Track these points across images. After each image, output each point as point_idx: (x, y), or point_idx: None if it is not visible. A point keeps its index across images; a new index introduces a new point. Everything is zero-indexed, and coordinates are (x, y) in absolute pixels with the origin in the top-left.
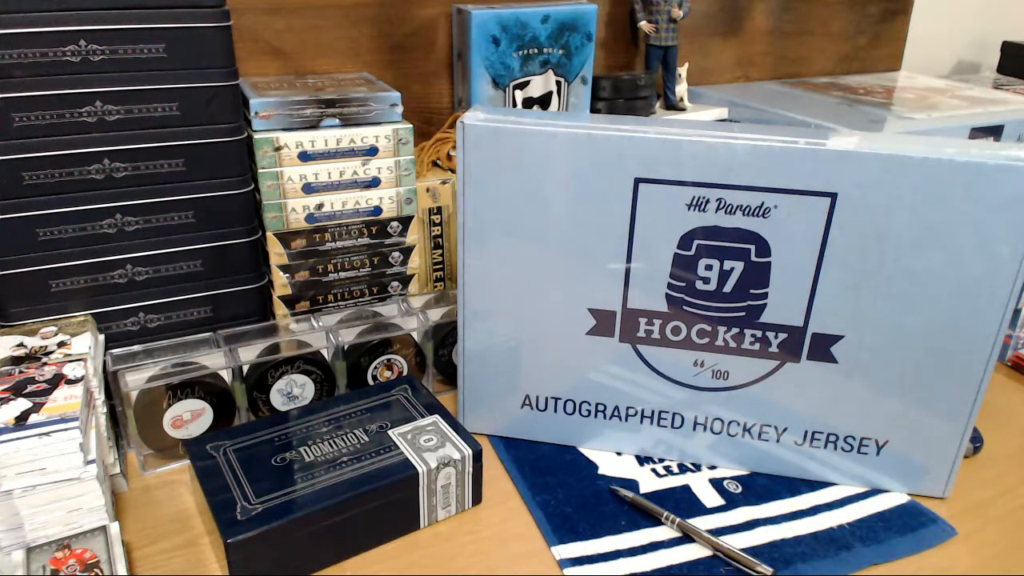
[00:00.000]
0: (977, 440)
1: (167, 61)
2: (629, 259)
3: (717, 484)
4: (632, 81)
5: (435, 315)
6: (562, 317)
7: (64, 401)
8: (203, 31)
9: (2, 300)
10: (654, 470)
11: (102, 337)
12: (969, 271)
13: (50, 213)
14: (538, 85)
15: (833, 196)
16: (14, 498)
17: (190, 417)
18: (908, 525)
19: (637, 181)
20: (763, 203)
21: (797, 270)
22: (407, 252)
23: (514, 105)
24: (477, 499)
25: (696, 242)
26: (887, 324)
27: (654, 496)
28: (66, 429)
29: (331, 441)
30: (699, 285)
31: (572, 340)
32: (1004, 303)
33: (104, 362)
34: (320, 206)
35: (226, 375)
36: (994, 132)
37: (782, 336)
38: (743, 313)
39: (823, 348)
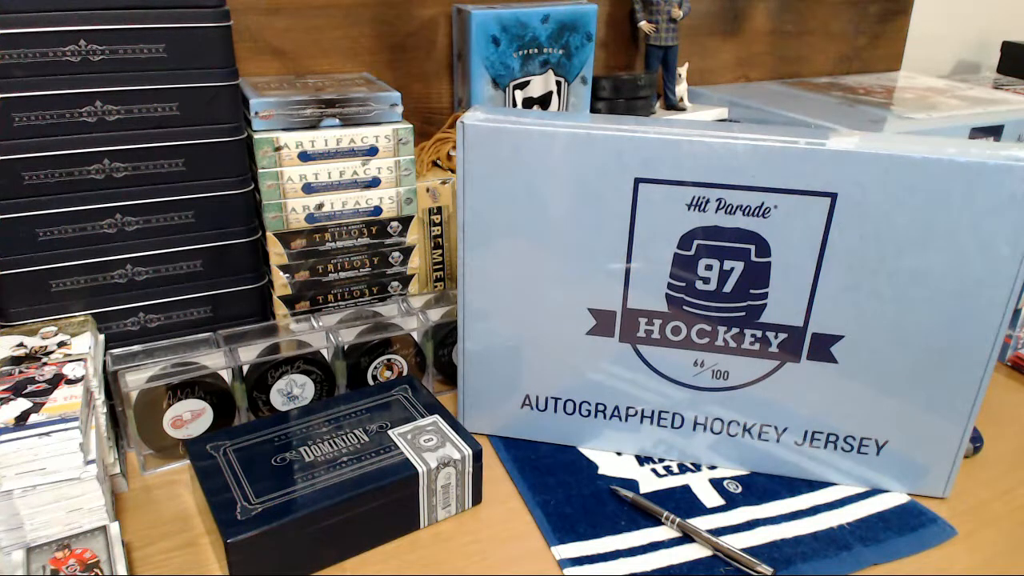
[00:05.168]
0: (977, 440)
1: (167, 61)
2: (629, 259)
3: (717, 484)
4: (632, 81)
5: (435, 315)
6: (562, 317)
7: (64, 401)
8: (203, 31)
9: (2, 300)
10: (654, 470)
11: (102, 337)
12: (969, 271)
13: (50, 213)
14: (538, 85)
15: (833, 196)
16: (14, 498)
17: (190, 417)
18: (908, 525)
19: (637, 181)
20: (763, 203)
21: (797, 270)
22: (407, 252)
23: (514, 105)
24: (477, 499)
25: (696, 242)
26: (887, 324)
27: (654, 496)
28: (66, 429)
29: (331, 441)
30: (699, 285)
31: (572, 340)
32: (1004, 303)
33: (104, 362)
34: (320, 206)
35: (226, 375)
36: (994, 132)
37: (782, 336)
38: (743, 313)
39: (823, 348)
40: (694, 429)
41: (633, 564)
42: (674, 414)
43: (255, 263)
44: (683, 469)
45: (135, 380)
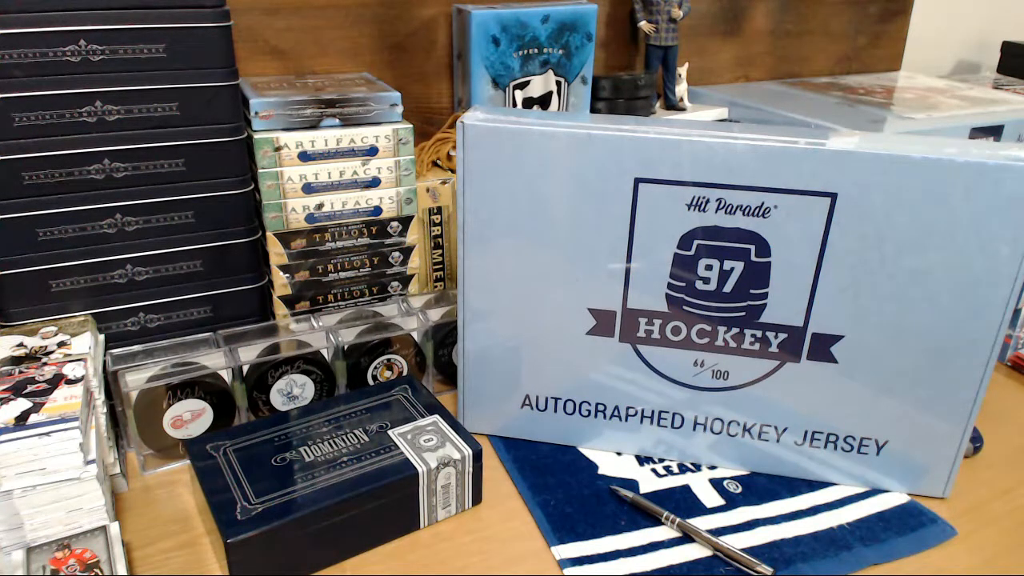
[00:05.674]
0: (977, 440)
1: (167, 61)
2: (629, 259)
3: (717, 484)
4: (632, 81)
5: (435, 315)
6: (562, 317)
7: (64, 401)
8: (203, 31)
9: (2, 300)
10: (654, 470)
11: (102, 337)
12: (969, 271)
13: (50, 213)
14: (538, 85)
15: (833, 196)
16: (14, 498)
17: (190, 417)
18: (908, 525)
19: (637, 181)
20: (763, 203)
21: (797, 270)
22: (407, 252)
23: (514, 105)
24: (477, 499)
25: (696, 242)
26: (887, 324)
27: (654, 496)
28: (66, 429)
29: (331, 441)
30: (699, 285)
31: (572, 340)
32: (1004, 303)
33: (104, 362)
34: (320, 206)
35: (226, 375)
36: (994, 132)
37: (782, 336)
38: (743, 313)
39: (823, 348)
40: (694, 429)
41: (633, 564)
42: (674, 414)
43: (255, 263)
44: (683, 469)
45: (135, 380)
